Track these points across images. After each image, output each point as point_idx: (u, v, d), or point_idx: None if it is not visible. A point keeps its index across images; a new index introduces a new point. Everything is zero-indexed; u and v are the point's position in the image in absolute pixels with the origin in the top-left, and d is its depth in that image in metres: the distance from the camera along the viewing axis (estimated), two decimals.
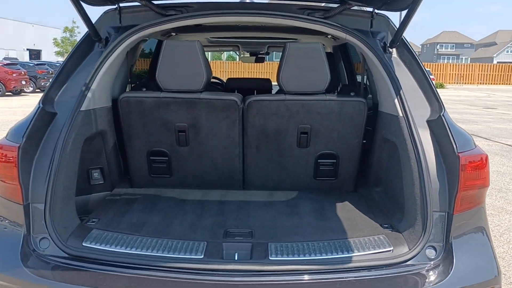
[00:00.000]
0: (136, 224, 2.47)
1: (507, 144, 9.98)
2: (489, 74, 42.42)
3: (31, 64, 27.61)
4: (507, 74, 42.38)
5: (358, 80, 5.29)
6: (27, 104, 17.15)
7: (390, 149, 2.77)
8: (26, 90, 23.68)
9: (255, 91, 4.76)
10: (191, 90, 2.80)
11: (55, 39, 47.86)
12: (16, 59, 34.87)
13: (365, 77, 3.72)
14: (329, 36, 4.27)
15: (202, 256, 2.13)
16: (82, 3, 2.48)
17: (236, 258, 2.16)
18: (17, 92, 22.54)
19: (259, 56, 6.22)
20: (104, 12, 2.87)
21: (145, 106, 2.82)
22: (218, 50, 6.56)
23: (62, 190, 2.33)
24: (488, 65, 44.14)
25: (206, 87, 2.84)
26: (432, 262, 2.17)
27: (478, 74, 42.28)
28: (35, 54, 53.17)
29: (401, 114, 2.49)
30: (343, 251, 2.19)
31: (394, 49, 2.80)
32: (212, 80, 6.33)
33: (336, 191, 3.05)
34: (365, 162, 3.09)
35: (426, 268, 2.15)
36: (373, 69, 2.81)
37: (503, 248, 4.22)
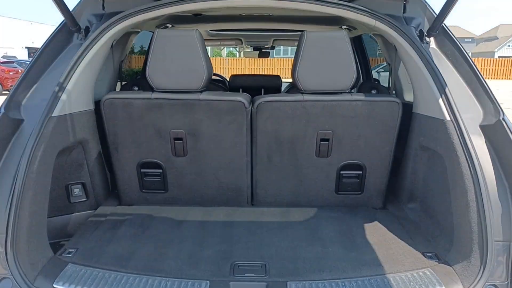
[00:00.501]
0: (122, 255, 2.01)
1: None
2: (492, 69, 41.87)
3: (28, 62, 27.05)
4: (509, 69, 41.83)
5: (373, 77, 4.83)
6: None
7: (430, 160, 2.30)
8: None
9: (263, 90, 4.26)
10: (188, 90, 2.33)
11: None
12: (14, 57, 34.31)
13: (377, 73, 3.24)
14: (344, 27, 3.80)
15: None
16: None
17: None
18: None
19: (263, 50, 5.72)
20: None
21: (133, 110, 2.34)
22: (219, 45, 6.04)
23: (29, 216, 1.87)
24: (490, 60, 43.58)
25: (206, 86, 2.37)
26: None
27: (481, 69, 41.56)
28: (33, 52, 52.63)
29: (448, 118, 2.03)
30: None
31: (432, 39, 2.33)
32: (213, 77, 5.85)
33: (362, 209, 2.58)
34: (395, 173, 2.63)
35: None
36: (408, 63, 2.34)
37: None
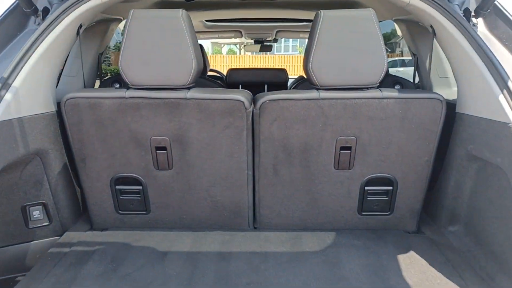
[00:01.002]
0: None
1: None
2: None
3: None
4: None
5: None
6: None
7: (480, 173, 1.80)
8: None
9: (266, 86, 3.73)
10: (173, 86, 1.83)
11: None
12: None
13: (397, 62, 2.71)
14: None
15: None
16: None
17: None
18: None
19: (265, 44, 5.19)
20: None
21: (102, 112, 1.85)
22: (217, 37, 5.45)
23: None
24: None
25: (196, 81, 1.87)
26: None
27: None
28: None
29: None
30: None
31: (480, 19, 1.83)
32: (210, 73, 5.35)
33: (392, 233, 2.08)
34: (432, 188, 2.13)
35: None
36: (452, 50, 1.84)
37: None
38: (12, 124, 1.66)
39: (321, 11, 1.80)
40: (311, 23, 3.77)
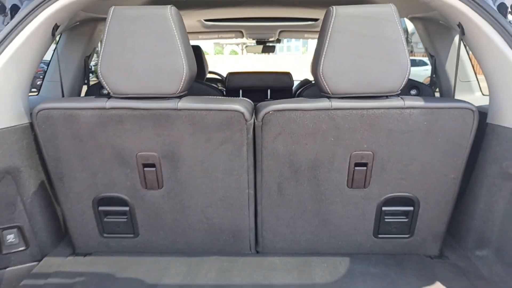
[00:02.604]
0: None
1: None
2: None
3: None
4: None
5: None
6: None
7: None
8: None
9: (269, 92, 3.46)
10: (161, 95, 1.59)
11: None
12: None
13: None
14: None
15: None
16: None
17: None
18: None
19: (268, 44, 4.94)
20: None
21: (80, 125, 1.61)
22: (216, 37, 5.16)
23: None
24: None
25: (187, 89, 1.63)
26: None
27: None
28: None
29: None
30: None
31: None
32: (209, 75, 5.11)
33: (412, 258, 1.84)
34: (457, 208, 1.88)
35: None
36: (484, 50, 1.60)
37: None
38: None
39: (333, 7, 1.56)
40: (316, 21, 3.49)
